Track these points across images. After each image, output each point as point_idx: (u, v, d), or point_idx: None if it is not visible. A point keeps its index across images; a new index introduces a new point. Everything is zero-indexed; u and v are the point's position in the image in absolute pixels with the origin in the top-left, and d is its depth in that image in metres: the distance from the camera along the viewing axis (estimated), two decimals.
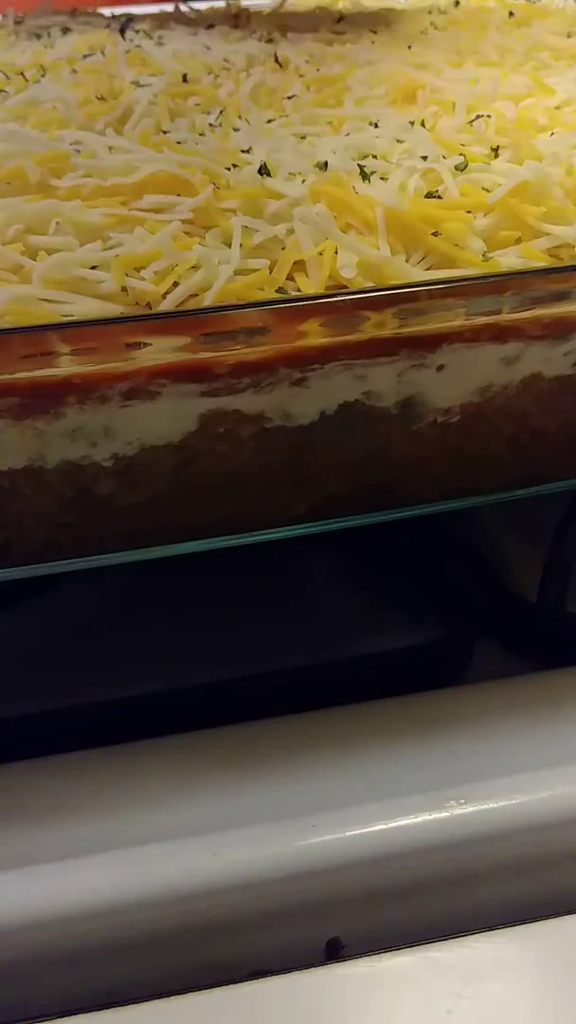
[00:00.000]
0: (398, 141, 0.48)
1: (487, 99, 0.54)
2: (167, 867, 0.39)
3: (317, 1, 0.83)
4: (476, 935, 0.37)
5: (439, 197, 0.43)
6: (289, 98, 0.56)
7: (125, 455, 0.40)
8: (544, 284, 0.39)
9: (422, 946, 0.37)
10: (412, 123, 0.51)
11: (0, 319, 0.37)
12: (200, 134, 0.50)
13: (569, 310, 0.41)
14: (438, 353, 0.41)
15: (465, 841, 0.40)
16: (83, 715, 0.47)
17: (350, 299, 0.38)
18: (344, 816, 0.41)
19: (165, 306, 0.38)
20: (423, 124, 0.51)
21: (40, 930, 0.37)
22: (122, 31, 0.71)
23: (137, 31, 0.71)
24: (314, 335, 0.38)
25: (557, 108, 0.54)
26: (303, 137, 0.51)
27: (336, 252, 0.40)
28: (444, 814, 0.41)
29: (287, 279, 0.40)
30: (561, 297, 0.40)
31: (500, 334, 0.41)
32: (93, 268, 0.39)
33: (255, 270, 0.39)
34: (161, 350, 0.37)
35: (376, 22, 0.74)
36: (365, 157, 0.47)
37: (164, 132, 0.50)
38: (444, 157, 0.46)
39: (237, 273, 0.39)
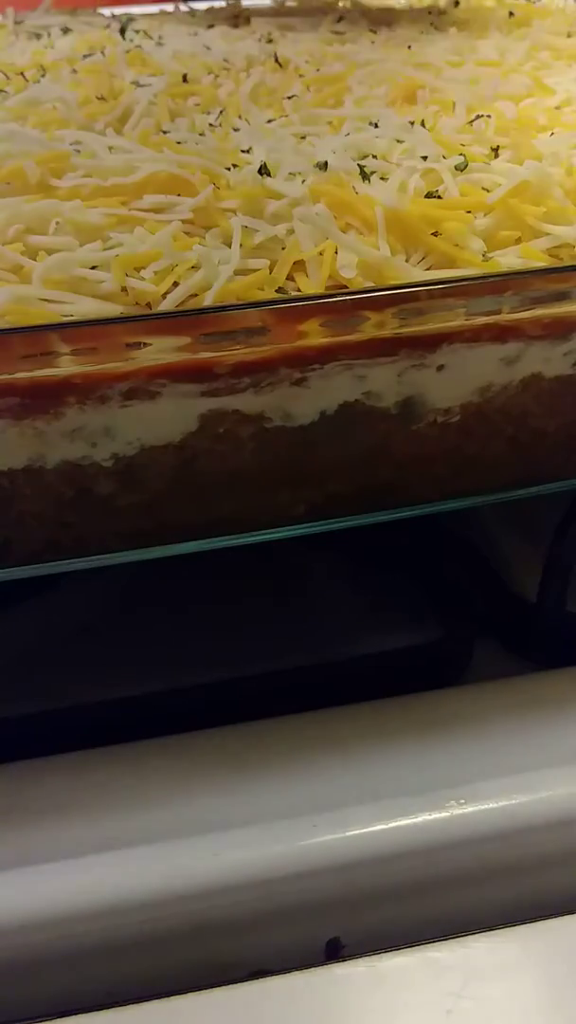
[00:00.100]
0: (398, 141, 0.48)
1: (487, 99, 0.54)
2: (167, 867, 0.39)
3: (317, 1, 0.83)
4: (476, 935, 0.37)
5: (439, 197, 0.43)
6: (289, 98, 0.56)
7: (125, 455, 0.40)
8: (544, 284, 0.39)
9: (422, 946, 0.37)
10: (412, 123, 0.51)
11: (0, 319, 0.37)
12: (200, 134, 0.50)
13: (569, 310, 0.41)
14: (438, 353, 0.41)
15: (465, 841, 0.40)
16: (83, 715, 0.47)
17: (350, 299, 0.38)
18: (344, 816, 0.41)
19: (165, 306, 0.38)
20: (423, 124, 0.51)
21: (40, 930, 0.38)
22: (122, 31, 0.70)
23: (137, 31, 0.71)
24: (314, 335, 0.38)
25: (557, 108, 0.54)
26: (303, 137, 0.51)
27: (336, 252, 0.40)
28: (444, 814, 0.41)
29: (287, 279, 0.40)
30: (561, 297, 0.40)
31: (500, 334, 0.41)
32: (93, 268, 0.39)
33: (255, 270, 0.39)
34: (161, 350, 0.37)
35: (376, 22, 0.74)
36: (365, 157, 0.47)
37: (164, 132, 0.50)
38: (444, 157, 0.46)
39: (237, 273, 0.39)
